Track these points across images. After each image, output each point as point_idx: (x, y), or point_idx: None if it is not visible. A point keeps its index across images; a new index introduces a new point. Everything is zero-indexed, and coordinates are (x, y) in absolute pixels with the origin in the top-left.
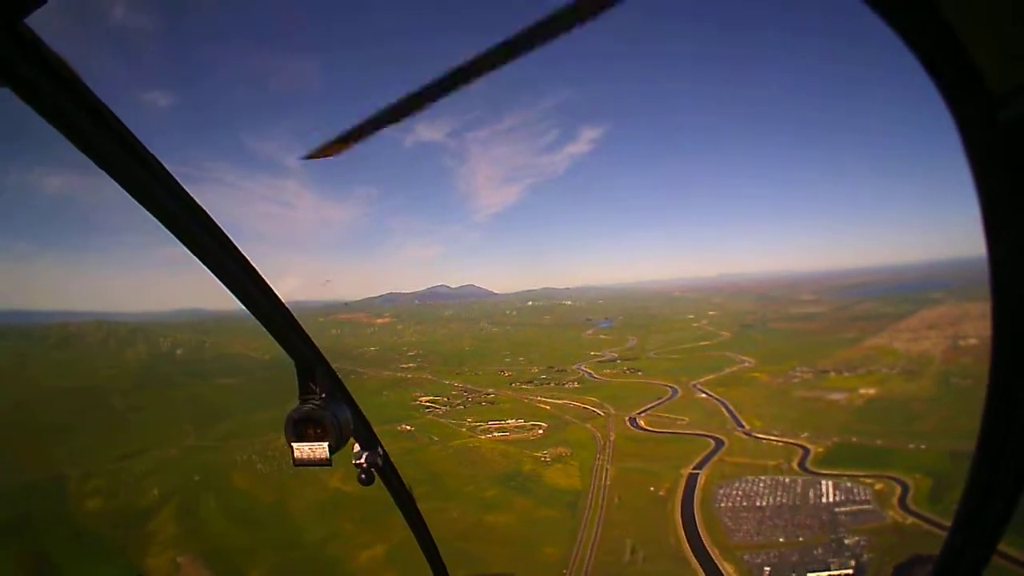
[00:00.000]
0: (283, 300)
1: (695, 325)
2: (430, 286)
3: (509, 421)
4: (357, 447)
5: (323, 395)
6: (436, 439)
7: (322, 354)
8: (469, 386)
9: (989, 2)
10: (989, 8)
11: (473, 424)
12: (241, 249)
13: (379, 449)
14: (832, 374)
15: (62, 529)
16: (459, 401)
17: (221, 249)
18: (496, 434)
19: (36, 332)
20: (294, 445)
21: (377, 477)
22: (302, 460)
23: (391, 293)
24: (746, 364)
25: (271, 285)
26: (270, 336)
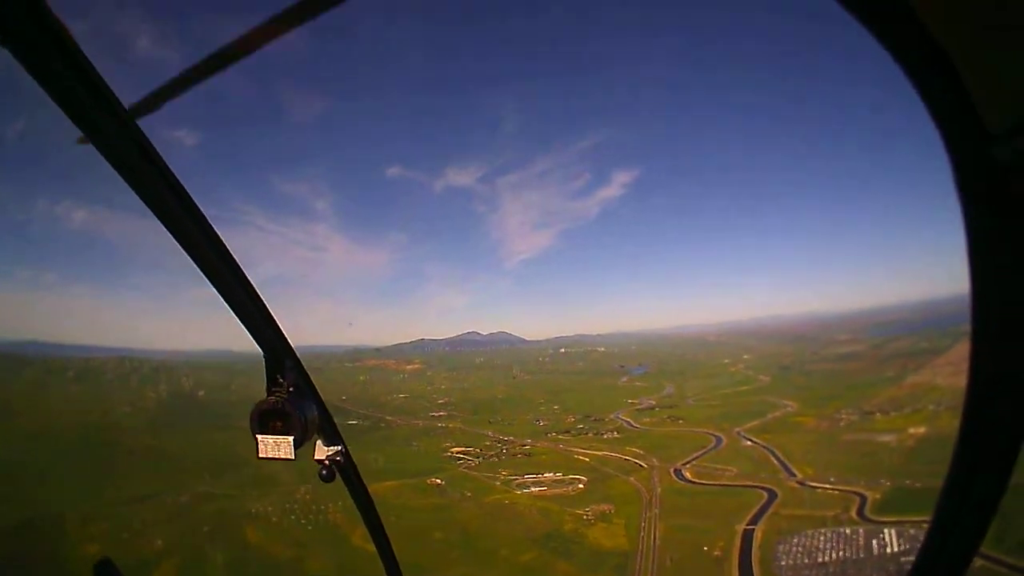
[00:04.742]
0: (261, 295)
1: (732, 370)
2: (461, 333)
3: (546, 474)
4: (320, 443)
5: (290, 389)
6: (469, 494)
7: (292, 347)
8: (503, 436)
9: (990, 41)
10: (990, 46)
11: (508, 477)
12: (225, 242)
13: (342, 447)
14: (878, 415)
15: (55, 572)
16: (492, 452)
17: (197, 229)
18: (533, 489)
19: (56, 364)
20: (259, 438)
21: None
22: (266, 454)
23: (422, 340)
24: (789, 408)
25: (246, 273)
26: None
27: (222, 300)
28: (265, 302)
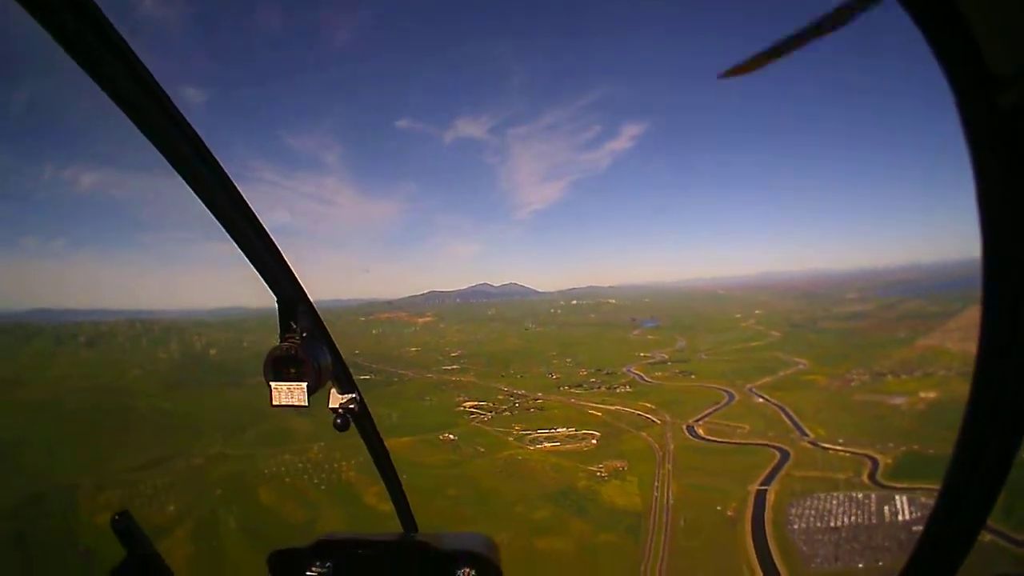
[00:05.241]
0: (275, 242)
1: (743, 325)
2: (472, 284)
3: (559, 429)
4: (334, 391)
5: (303, 335)
6: (482, 450)
7: (305, 292)
8: (516, 390)
9: None
10: None
11: (521, 432)
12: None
13: (356, 395)
14: (889, 377)
15: (66, 547)
16: (505, 407)
17: (214, 178)
18: (546, 444)
19: (66, 331)
20: (272, 385)
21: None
22: (280, 401)
23: (433, 291)
24: (800, 366)
25: (259, 217)
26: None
27: (235, 251)
28: (279, 247)
